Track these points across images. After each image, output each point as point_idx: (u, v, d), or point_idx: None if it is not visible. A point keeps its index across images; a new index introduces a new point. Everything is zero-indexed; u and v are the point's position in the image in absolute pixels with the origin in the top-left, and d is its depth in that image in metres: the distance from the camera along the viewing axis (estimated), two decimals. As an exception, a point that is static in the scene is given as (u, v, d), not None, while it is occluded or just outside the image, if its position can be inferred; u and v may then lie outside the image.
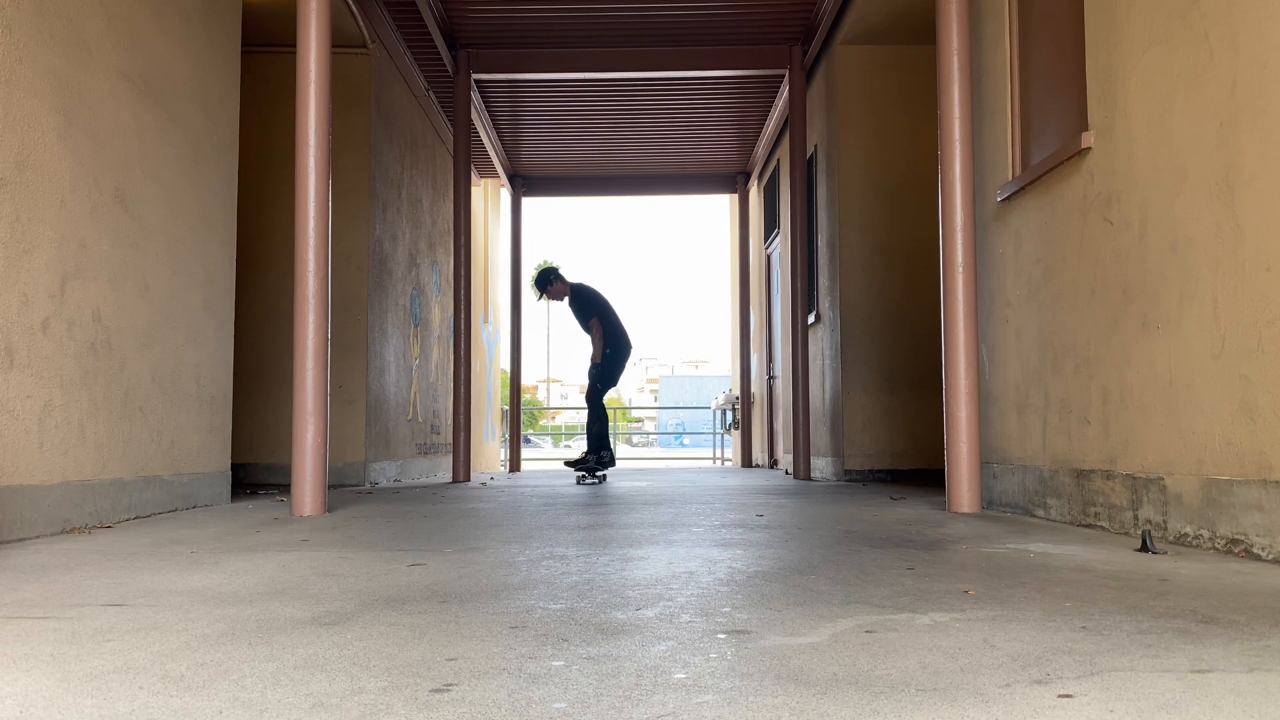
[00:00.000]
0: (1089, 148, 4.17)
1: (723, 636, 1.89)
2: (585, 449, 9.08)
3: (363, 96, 8.87)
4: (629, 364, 9.17)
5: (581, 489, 7.71)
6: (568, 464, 9.05)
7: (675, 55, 9.65)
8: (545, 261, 9.66)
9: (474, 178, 14.63)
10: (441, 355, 11.89)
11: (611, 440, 9.18)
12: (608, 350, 8.97)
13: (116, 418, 4.68)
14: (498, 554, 3.24)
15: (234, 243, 6.04)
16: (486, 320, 15.48)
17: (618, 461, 18.84)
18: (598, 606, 2.23)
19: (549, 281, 9.16)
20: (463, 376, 9.50)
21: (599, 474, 9.25)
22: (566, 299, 9.30)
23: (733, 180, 14.36)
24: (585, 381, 9.32)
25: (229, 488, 5.97)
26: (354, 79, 8.87)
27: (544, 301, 9.50)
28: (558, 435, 60.90)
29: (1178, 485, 3.54)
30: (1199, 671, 1.60)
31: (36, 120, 4.03)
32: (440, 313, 11.88)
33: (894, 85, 8.94)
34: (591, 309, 8.98)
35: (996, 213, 5.23)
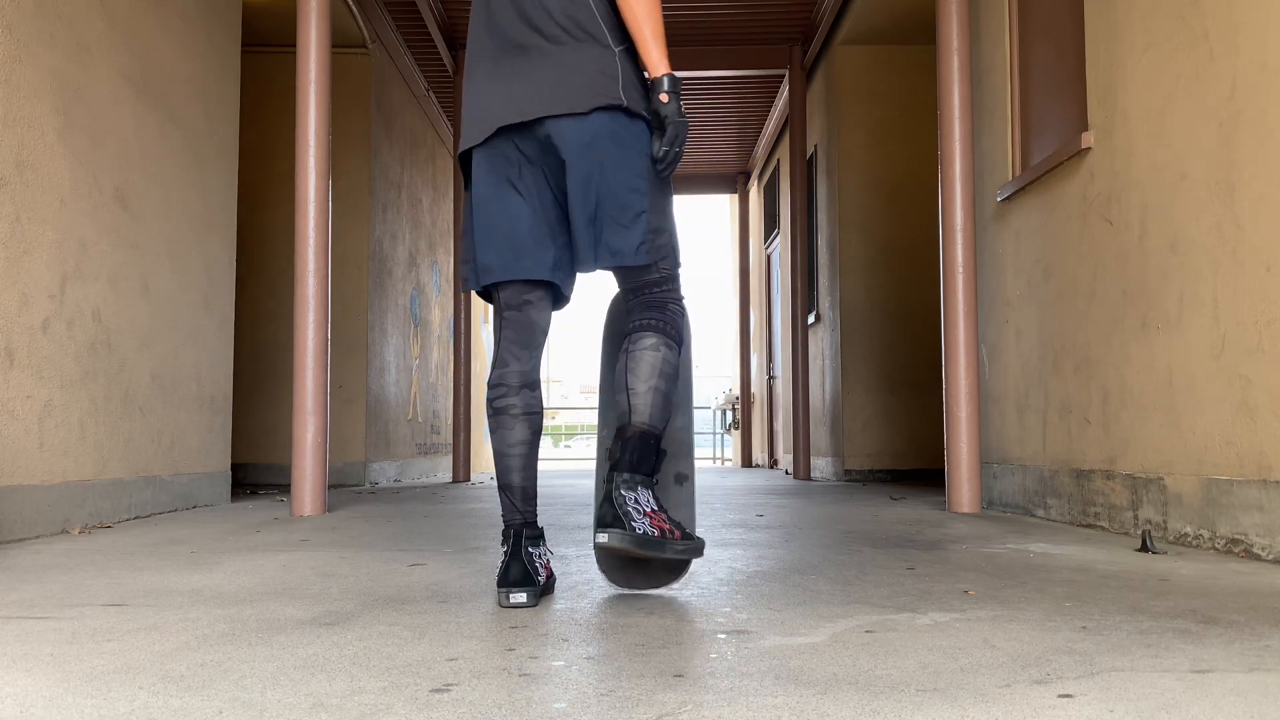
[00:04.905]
0: (1089, 148, 4.17)
1: (723, 636, 1.89)
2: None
3: (363, 96, 8.87)
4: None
5: (581, 489, 7.67)
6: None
7: (675, 55, 9.65)
8: None
9: (474, 178, 14.60)
10: (441, 355, 11.89)
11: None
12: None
13: (116, 418, 4.68)
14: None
15: (234, 243, 6.04)
16: (486, 320, 15.48)
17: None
18: (598, 606, 2.24)
19: None
20: (463, 377, 9.50)
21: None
22: None
23: (733, 180, 14.35)
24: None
25: (229, 488, 5.97)
26: (354, 79, 8.87)
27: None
28: (557, 435, 60.92)
29: (1178, 485, 3.54)
30: (1199, 671, 1.60)
31: (36, 120, 4.03)
32: (440, 313, 11.88)
33: (894, 85, 8.94)
34: None
35: (996, 213, 5.23)
